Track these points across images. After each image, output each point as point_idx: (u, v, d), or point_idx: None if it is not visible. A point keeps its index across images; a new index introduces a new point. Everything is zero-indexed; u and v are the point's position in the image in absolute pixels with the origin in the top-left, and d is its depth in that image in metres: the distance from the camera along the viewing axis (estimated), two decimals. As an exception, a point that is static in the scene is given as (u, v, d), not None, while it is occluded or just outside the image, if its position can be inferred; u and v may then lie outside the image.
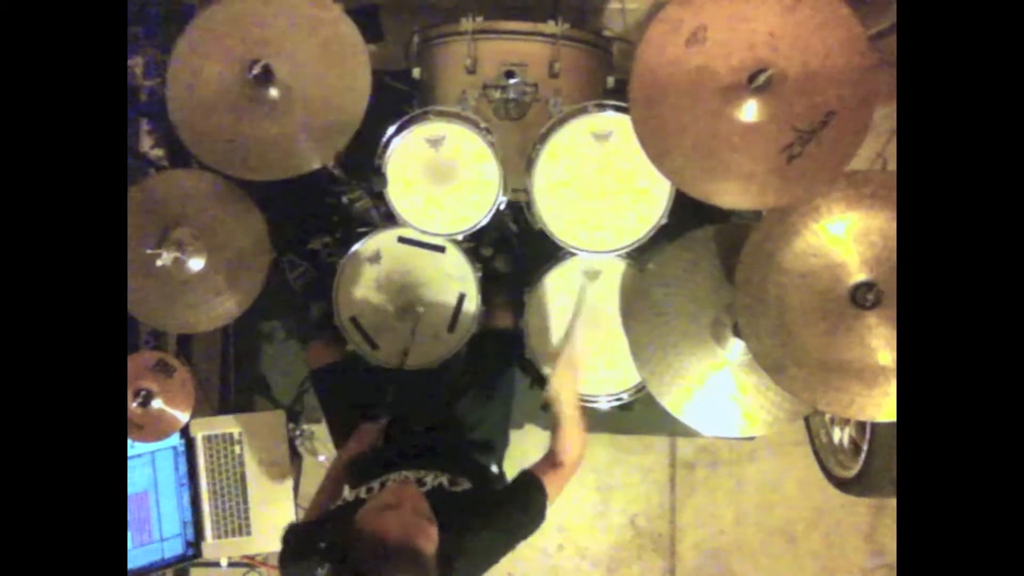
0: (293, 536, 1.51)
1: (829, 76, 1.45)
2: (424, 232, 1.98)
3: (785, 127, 1.48)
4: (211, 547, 2.24)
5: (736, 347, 1.81)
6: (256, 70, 1.65)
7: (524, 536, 1.55)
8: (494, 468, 1.91)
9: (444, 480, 1.56)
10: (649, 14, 2.60)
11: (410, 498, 1.39)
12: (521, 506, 1.56)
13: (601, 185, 1.90)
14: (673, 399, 1.88)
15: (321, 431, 2.25)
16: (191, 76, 1.73)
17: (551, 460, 1.67)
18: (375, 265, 2.06)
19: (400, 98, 2.19)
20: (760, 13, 1.44)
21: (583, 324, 2.03)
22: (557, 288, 2.06)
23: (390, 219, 2.04)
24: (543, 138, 1.86)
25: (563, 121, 1.84)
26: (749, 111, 1.48)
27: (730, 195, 1.55)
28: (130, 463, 2.17)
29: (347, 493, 1.63)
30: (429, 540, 1.30)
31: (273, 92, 1.71)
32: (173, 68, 1.74)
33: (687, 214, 1.92)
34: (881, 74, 1.44)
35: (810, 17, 1.43)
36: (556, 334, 2.07)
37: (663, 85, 1.50)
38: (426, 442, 1.81)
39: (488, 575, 1.49)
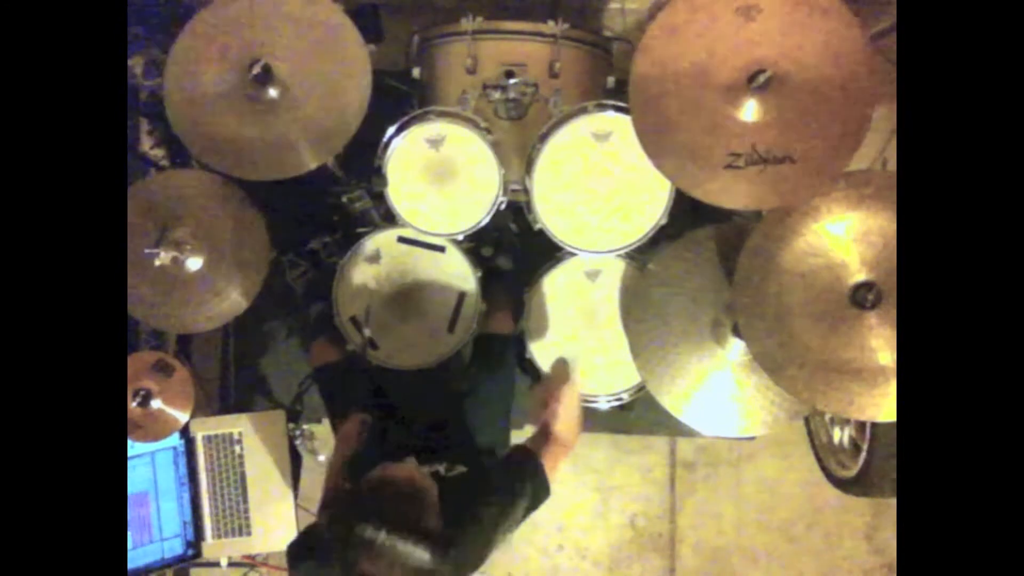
0: (302, 534, 1.53)
1: (825, 109, 1.47)
2: (424, 232, 1.98)
3: (747, 139, 1.49)
4: (211, 547, 2.24)
5: (736, 347, 1.80)
6: (256, 70, 1.65)
7: (530, 510, 1.54)
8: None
9: (441, 468, 1.57)
10: (650, 13, 2.60)
11: (415, 468, 1.40)
12: (520, 480, 1.55)
13: (601, 185, 1.90)
14: (673, 399, 1.87)
15: (321, 431, 2.25)
16: (190, 77, 1.73)
17: (544, 436, 1.66)
18: (375, 265, 2.06)
19: (400, 98, 2.19)
20: (815, 23, 1.45)
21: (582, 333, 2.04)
22: (557, 288, 2.06)
23: (390, 219, 2.04)
24: (543, 138, 1.86)
25: (563, 121, 1.84)
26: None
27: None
28: (130, 463, 2.16)
29: None
30: (432, 490, 1.31)
31: (272, 92, 1.71)
32: (171, 69, 1.73)
33: (687, 214, 1.92)
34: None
35: (827, 39, 1.46)
36: (556, 335, 2.07)
37: (678, 48, 1.50)
38: (425, 441, 1.81)
39: (485, 574, 1.49)
